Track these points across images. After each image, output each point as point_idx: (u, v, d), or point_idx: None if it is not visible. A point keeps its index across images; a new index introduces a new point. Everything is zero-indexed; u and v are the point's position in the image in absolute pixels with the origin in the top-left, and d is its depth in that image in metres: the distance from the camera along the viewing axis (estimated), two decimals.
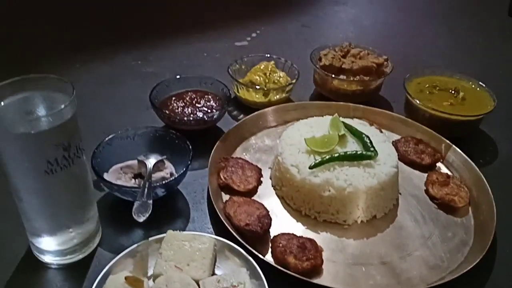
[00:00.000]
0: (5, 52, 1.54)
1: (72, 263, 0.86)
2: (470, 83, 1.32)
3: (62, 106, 0.70)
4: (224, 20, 1.88)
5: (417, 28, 1.96)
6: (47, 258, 0.85)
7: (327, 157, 0.99)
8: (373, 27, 1.96)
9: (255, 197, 1.04)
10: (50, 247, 0.83)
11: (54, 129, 0.70)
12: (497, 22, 2.03)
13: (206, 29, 1.79)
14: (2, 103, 0.72)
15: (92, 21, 1.82)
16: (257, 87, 1.29)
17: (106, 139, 1.00)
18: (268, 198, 1.05)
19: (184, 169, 0.96)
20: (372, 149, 1.02)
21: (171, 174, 0.98)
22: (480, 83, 1.31)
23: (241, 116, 1.31)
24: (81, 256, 0.86)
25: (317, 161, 0.98)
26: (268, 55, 1.41)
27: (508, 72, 1.63)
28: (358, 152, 1.00)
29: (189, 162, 0.97)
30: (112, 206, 0.98)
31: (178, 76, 1.26)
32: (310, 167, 0.98)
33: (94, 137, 1.03)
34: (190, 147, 1.00)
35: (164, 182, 0.93)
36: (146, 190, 0.87)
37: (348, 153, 1.00)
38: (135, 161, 1.00)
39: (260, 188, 1.07)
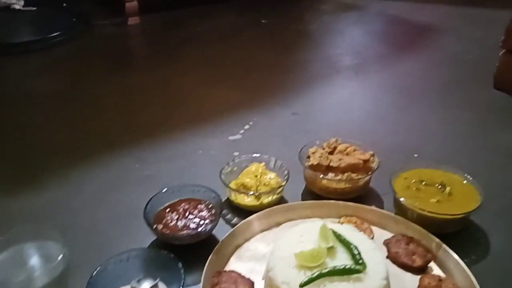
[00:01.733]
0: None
1: None
2: (457, 175, 1.35)
3: (54, 264, 0.74)
4: (219, 112, 1.96)
5: (406, 109, 2.02)
6: None
7: (316, 273, 1.00)
8: (362, 110, 2.04)
9: None
10: None
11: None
12: (485, 97, 2.09)
13: (200, 124, 1.87)
14: None
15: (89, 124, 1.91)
16: (250, 192, 1.34)
17: (98, 268, 1.02)
18: None
19: None
20: (360, 261, 1.03)
21: None
22: (466, 175, 1.34)
23: (235, 219, 1.35)
24: None
25: (307, 279, 1.00)
26: (259, 155, 1.47)
27: (501, 155, 1.66)
28: (347, 267, 1.02)
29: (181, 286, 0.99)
30: None
31: (166, 189, 1.30)
32: (300, 286, 0.99)
33: (87, 257, 1.06)
34: (182, 271, 1.02)
35: None
36: None
37: (336, 267, 1.02)
38: (128, 287, 1.02)
39: None
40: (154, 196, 1.27)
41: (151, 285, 1.02)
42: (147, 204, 1.23)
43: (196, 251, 1.16)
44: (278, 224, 1.31)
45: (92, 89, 2.17)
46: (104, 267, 1.03)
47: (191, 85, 2.23)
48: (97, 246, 1.23)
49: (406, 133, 1.82)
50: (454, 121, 1.91)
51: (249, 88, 2.21)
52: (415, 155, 1.64)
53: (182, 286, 1.00)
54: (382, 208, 1.38)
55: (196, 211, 1.25)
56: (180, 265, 1.04)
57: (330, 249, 1.07)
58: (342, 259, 1.06)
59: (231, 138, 1.78)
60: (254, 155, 1.48)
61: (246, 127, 1.86)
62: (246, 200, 1.35)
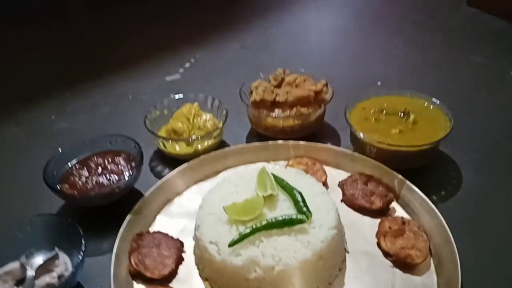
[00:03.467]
0: None
1: None
2: (423, 101, 1.15)
3: None
4: (152, 51, 1.69)
5: (369, 34, 1.79)
6: None
7: (249, 229, 0.81)
8: (318, 41, 1.79)
9: (174, 282, 0.87)
10: None
11: None
12: (456, 16, 1.86)
13: (131, 65, 1.60)
14: None
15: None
16: (182, 138, 1.11)
17: None
18: (190, 281, 0.87)
19: (73, 270, 0.78)
20: (304, 209, 0.84)
21: (60, 277, 0.80)
22: (434, 99, 1.14)
23: (166, 171, 1.14)
24: None
25: (237, 237, 0.80)
26: (192, 94, 1.24)
27: (470, 80, 1.46)
28: (287, 217, 0.83)
29: (80, 259, 0.79)
30: None
31: (75, 142, 1.07)
32: (230, 245, 0.80)
33: None
34: (83, 239, 0.82)
35: None
36: None
37: (275, 219, 0.82)
38: (17, 264, 0.82)
39: (181, 268, 0.89)
40: (58, 152, 1.03)
41: (47, 258, 0.82)
42: (48, 162, 1.00)
43: (117, 212, 0.96)
44: (217, 173, 1.11)
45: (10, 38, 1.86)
46: None
47: (122, 23, 1.93)
48: None
49: (368, 60, 1.60)
50: (421, 45, 1.68)
51: (192, 22, 1.92)
52: (379, 83, 1.43)
53: (82, 257, 0.79)
54: (339, 145, 1.19)
55: (112, 166, 1.03)
56: (80, 231, 0.83)
57: (269, 198, 0.88)
58: (284, 209, 0.86)
59: (168, 78, 1.53)
60: (188, 94, 1.24)
61: (187, 65, 1.60)
62: (177, 149, 1.13)
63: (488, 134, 1.22)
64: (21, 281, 0.80)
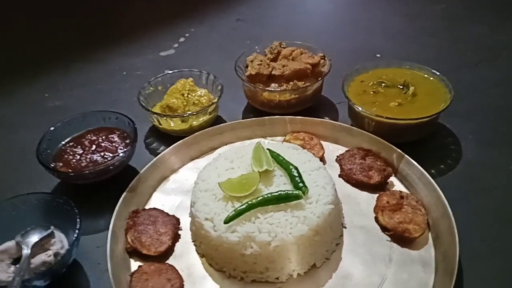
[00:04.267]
0: None
1: None
2: (422, 72, 1.13)
3: None
4: (146, 26, 1.65)
5: (367, 6, 1.74)
6: None
7: (245, 205, 0.80)
8: (316, 11, 1.74)
9: (170, 259, 0.86)
10: None
11: None
12: None
13: (125, 40, 1.57)
14: None
15: None
16: (176, 115, 1.09)
17: None
18: (187, 257, 0.87)
19: (69, 247, 0.77)
20: (301, 184, 0.83)
21: (56, 255, 0.79)
22: (434, 71, 1.11)
23: (161, 148, 1.12)
24: None
25: (233, 213, 0.79)
26: (187, 70, 1.21)
27: (470, 51, 1.43)
28: (283, 192, 0.81)
29: (75, 237, 0.79)
30: None
31: (67, 119, 1.04)
32: (225, 222, 0.79)
33: None
34: (78, 217, 0.81)
35: (42, 270, 0.74)
36: None
37: (271, 195, 0.81)
38: (13, 243, 0.81)
39: (178, 245, 0.89)
40: (51, 129, 1.02)
41: (42, 236, 0.81)
42: (41, 140, 0.98)
43: (112, 190, 0.95)
44: (212, 149, 1.10)
45: None
46: None
47: None
48: None
49: (367, 32, 1.56)
50: (419, 16, 1.63)
51: None
52: (378, 55, 1.40)
53: (78, 234, 0.79)
54: (337, 120, 1.17)
55: (106, 143, 1.01)
56: (75, 209, 0.82)
57: (265, 174, 0.86)
58: (280, 184, 0.85)
59: (162, 54, 1.50)
60: (183, 70, 1.22)
61: (181, 40, 1.56)
62: (172, 125, 1.11)
63: (488, 107, 1.19)
64: (17, 259, 0.80)
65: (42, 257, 0.78)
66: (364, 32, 1.56)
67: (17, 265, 0.78)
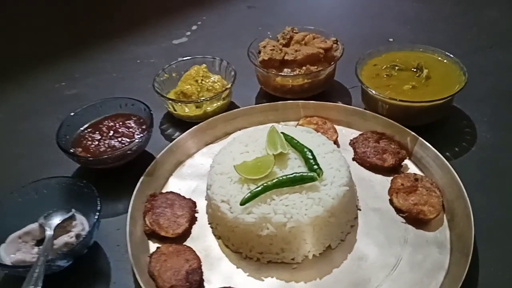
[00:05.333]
0: None
1: None
2: (436, 55, 1.12)
3: None
4: (158, 15, 1.66)
5: None
6: None
7: (260, 187, 0.81)
8: None
9: (188, 241, 0.88)
10: None
11: None
12: None
13: (138, 29, 1.58)
14: None
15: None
16: (191, 101, 1.11)
17: None
18: (203, 239, 0.89)
19: (90, 229, 0.80)
20: (315, 167, 0.84)
21: (78, 236, 0.82)
22: (447, 53, 1.11)
23: (176, 134, 1.14)
24: None
25: (248, 195, 0.81)
26: (200, 56, 1.22)
27: (483, 35, 1.41)
28: (298, 174, 0.82)
29: (95, 219, 0.81)
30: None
31: (85, 106, 1.07)
32: (241, 203, 0.81)
33: None
34: (99, 200, 0.83)
35: (64, 251, 0.77)
36: (36, 273, 0.71)
37: (286, 177, 0.82)
38: (36, 225, 0.84)
39: (195, 228, 0.91)
40: (70, 115, 1.04)
41: (64, 218, 0.84)
42: (60, 126, 1.01)
43: (130, 174, 0.97)
44: (227, 134, 1.11)
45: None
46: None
47: None
48: (10, 180, 1.04)
49: (379, 16, 1.54)
50: (432, 1, 1.61)
51: None
52: (390, 40, 1.39)
53: (98, 216, 0.81)
54: (350, 104, 1.17)
55: (123, 128, 1.03)
56: (95, 192, 0.84)
57: (280, 156, 0.87)
58: (294, 167, 0.86)
59: (175, 42, 1.50)
60: (196, 57, 1.23)
61: (194, 27, 1.57)
62: (186, 111, 1.13)
63: (502, 90, 1.18)
64: (40, 241, 0.83)
65: (64, 239, 0.81)
66: (376, 17, 1.55)
67: (41, 246, 0.81)
